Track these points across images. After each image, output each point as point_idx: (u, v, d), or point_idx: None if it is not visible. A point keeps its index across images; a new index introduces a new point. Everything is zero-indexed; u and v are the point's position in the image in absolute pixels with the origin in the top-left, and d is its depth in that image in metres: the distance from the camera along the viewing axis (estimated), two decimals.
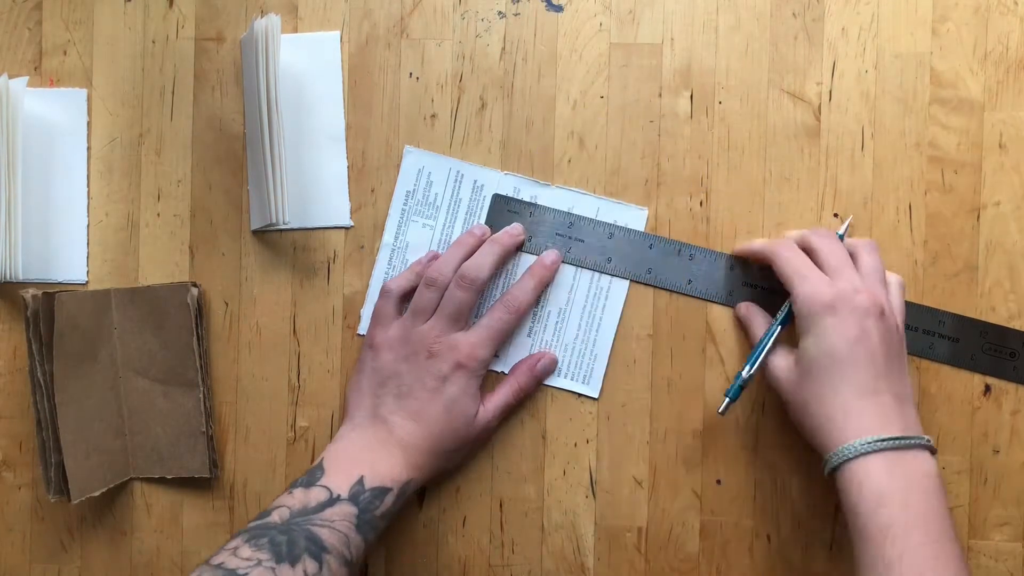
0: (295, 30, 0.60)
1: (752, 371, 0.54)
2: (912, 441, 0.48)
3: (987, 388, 0.57)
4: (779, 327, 0.54)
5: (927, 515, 0.46)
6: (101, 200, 0.60)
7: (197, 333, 0.59)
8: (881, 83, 0.58)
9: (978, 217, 0.57)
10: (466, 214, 0.59)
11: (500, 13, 0.59)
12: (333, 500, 0.51)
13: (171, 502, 0.60)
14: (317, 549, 0.48)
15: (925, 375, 0.57)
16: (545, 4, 0.59)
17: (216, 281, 0.60)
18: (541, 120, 0.59)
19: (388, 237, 0.59)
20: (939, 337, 0.57)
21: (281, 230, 0.60)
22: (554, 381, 0.59)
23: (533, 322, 0.58)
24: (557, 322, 0.58)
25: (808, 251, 0.54)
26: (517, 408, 0.58)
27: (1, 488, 0.61)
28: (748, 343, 0.57)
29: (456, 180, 0.59)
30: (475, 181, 0.59)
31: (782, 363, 0.53)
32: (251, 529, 0.49)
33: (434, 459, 0.55)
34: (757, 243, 0.56)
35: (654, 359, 0.58)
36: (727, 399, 0.54)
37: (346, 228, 0.60)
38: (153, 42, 0.60)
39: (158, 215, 0.60)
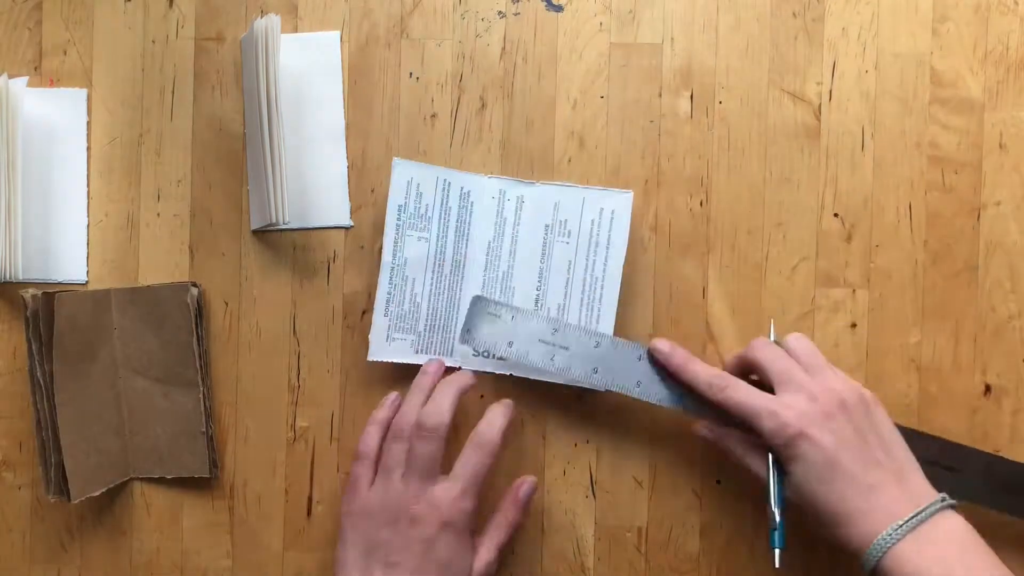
0: (295, 30, 0.60)
1: (779, 510, 0.52)
2: (926, 511, 0.48)
3: (987, 388, 0.57)
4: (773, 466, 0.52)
5: (971, 568, 0.46)
6: (101, 200, 0.60)
7: (197, 333, 0.59)
8: (881, 83, 0.58)
9: (978, 217, 0.57)
10: (456, 222, 0.58)
11: (500, 13, 0.59)
12: None
13: (171, 502, 0.60)
14: None
15: (925, 375, 0.57)
16: (545, 4, 0.59)
17: (216, 281, 0.60)
18: (541, 120, 0.59)
19: (387, 256, 0.58)
20: None
21: (281, 230, 0.60)
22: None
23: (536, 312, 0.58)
24: (558, 316, 0.58)
25: (755, 368, 0.53)
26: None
27: (1, 488, 0.61)
28: (727, 458, 0.54)
29: (444, 189, 0.58)
30: (462, 188, 0.58)
31: (785, 494, 0.52)
32: None
33: None
34: (700, 375, 0.54)
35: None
36: (776, 549, 0.52)
37: (346, 228, 0.60)
38: (153, 42, 0.60)
39: (158, 215, 0.60)
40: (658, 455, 0.59)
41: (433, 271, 0.58)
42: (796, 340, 0.53)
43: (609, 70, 0.59)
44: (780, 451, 0.51)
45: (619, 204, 0.58)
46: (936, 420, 0.57)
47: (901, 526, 0.47)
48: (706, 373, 0.54)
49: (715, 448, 0.55)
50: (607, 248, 0.58)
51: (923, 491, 0.49)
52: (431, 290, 0.58)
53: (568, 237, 0.58)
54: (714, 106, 0.58)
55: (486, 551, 0.55)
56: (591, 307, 0.58)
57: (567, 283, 0.58)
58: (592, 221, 0.58)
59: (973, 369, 0.58)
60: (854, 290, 0.58)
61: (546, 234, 0.58)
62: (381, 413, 0.57)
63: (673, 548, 0.58)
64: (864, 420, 0.50)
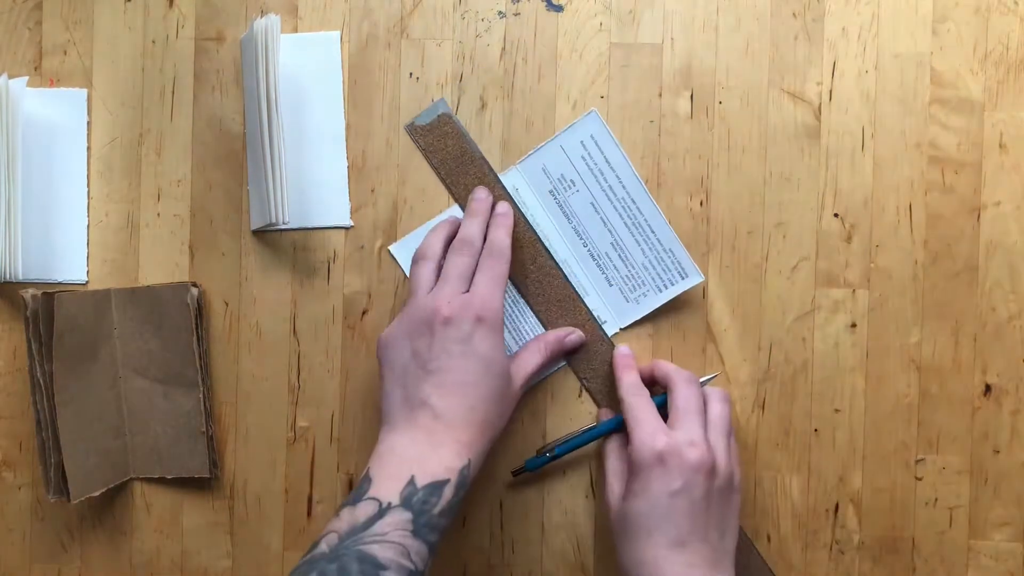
0: (295, 30, 0.60)
1: (556, 454, 0.56)
2: None
3: (987, 388, 0.57)
4: (605, 432, 0.56)
5: None
6: (101, 200, 0.60)
7: (197, 333, 0.59)
8: (881, 83, 0.58)
9: (978, 217, 0.57)
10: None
11: (500, 13, 0.59)
12: (384, 510, 0.47)
13: (171, 502, 0.60)
14: (372, 568, 0.44)
15: (925, 375, 0.57)
16: (545, 4, 0.59)
17: (216, 281, 0.60)
18: (541, 120, 0.59)
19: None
20: None
21: (281, 230, 0.60)
22: (661, 297, 0.58)
23: (604, 271, 0.58)
24: (620, 254, 0.58)
25: (667, 389, 0.55)
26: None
27: (1, 488, 0.61)
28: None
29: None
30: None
31: (616, 489, 0.54)
32: (299, 567, 0.46)
33: (485, 432, 0.52)
34: (627, 378, 0.56)
35: (654, 359, 0.58)
36: (525, 467, 0.56)
37: (346, 228, 0.60)
38: (153, 42, 0.60)
39: (158, 215, 0.60)
40: None
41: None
42: (717, 401, 0.54)
43: (609, 70, 0.59)
44: (634, 463, 0.52)
45: (592, 126, 0.58)
46: (936, 420, 0.57)
47: None
48: (632, 379, 0.56)
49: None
50: (612, 168, 0.58)
51: (727, 572, 0.51)
52: None
53: (574, 185, 0.58)
54: (714, 106, 0.58)
55: (522, 368, 0.55)
56: (639, 225, 0.58)
57: (603, 222, 0.58)
58: (582, 157, 0.58)
59: (973, 369, 0.58)
60: (854, 290, 0.58)
61: (556, 197, 0.58)
62: (442, 229, 0.57)
63: None
64: (719, 496, 0.52)
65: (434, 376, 0.51)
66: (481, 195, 0.58)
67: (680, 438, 0.51)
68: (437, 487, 0.48)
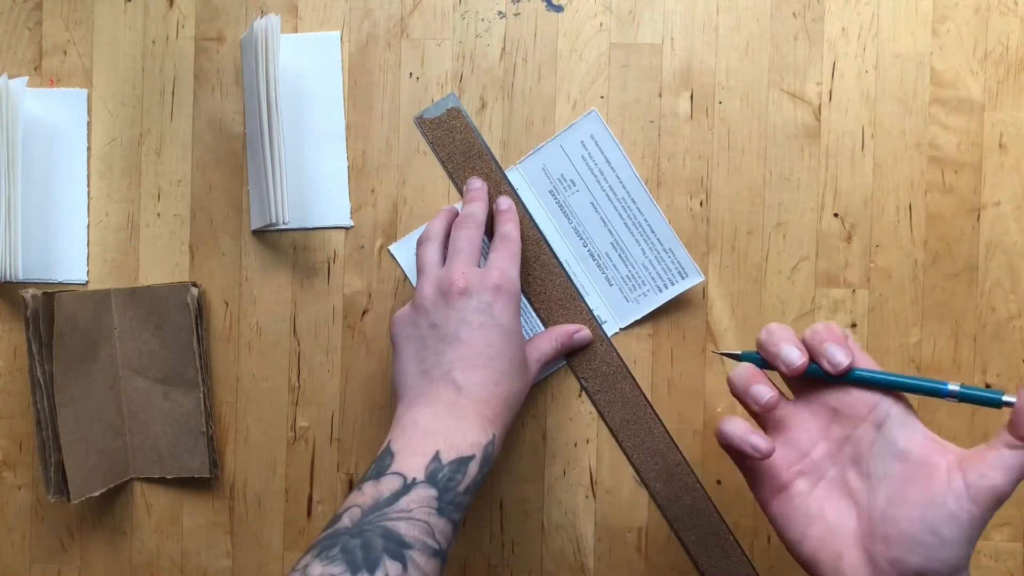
0: (295, 30, 0.60)
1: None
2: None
3: (987, 388, 0.57)
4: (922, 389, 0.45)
5: None
6: (101, 200, 0.60)
7: (197, 333, 0.59)
8: (881, 83, 0.58)
9: (978, 217, 0.57)
10: None
11: (500, 13, 0.59)
12: (408, 486, 0.45)
13: (171, 502, 0.60)
14: (397, 547, 0.43)
15: (925, 375, 0.57)
16: (545, 4, 0.59)
17: (216, 281, 0.60)
18: (541, 120, 0.59)
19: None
20: None
21: (281, 230, 0.60)
22: (661, 297, 0.58)
23: (604, 270, 0.58)
24: (620, 254, 0.58)
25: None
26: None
27: (1, 488, 0.61)
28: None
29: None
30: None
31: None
32: (321, 540, 0.44)
33: (508, 405, 0.50)
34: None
35: (654, 359, 0.58)
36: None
37: (346, 228, 0.60)
38: (153, 42, 0.60)
39: (158, 215, 0.60)
40: None
41: None
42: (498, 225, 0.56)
43: (609, 70, 0.59)
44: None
45: (592, 126, 0.58)
46: (936, 420, 0.57)
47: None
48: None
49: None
50: (612, 168, 0.58)
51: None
52: None
53: (574, 185, 0.58)
54: (714, 106, 0.58)
55: (537, 350, 0.55)
56: (639, 225, 0.58)
57: (603, 221, 0.58)
58: (583, 157, 0.58)
59: (973, 369, 0.58)
60: (854, 290, 0.58)
61: (555, 197, 0.58)
62: (444, 215, 0.57)
63: (673, 548, 0.58)
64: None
65: (455, 348, 0.50)
66: (476, 184, 0.58)
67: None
68: (463, 463, 0.46)
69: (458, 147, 0.59)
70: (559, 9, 0.59)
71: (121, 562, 0.60)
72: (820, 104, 0.58)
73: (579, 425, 0.59)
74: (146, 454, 0.60)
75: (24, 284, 0.59)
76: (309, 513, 0.60)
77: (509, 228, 0.56)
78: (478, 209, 0.56)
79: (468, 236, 0.54)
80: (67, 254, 0.60)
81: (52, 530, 0.60)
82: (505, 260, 0.53)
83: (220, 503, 0.60)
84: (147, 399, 0.60)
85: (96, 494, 0.57)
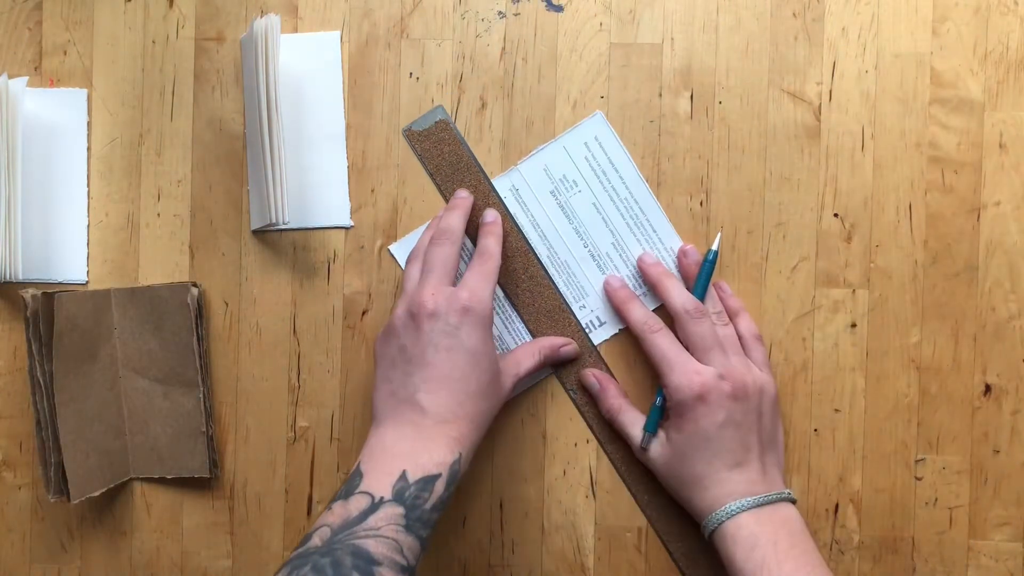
0: (295, 30, 0.60)
1: (650, 433, 0.56)
2: (775, 496, 0.53)
3: (987, 388, 0.57)
4: (659, 404, 0.56)
5: (794, 549, 0.51)
6: (101, 200, 0.60)
7: (197, 333, 0.59)
8: (881, 83, 0.58)
9: (978, 217, 0.57)
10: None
11: (500, 13, 0.59)
12: (376, 505, 0.47)
13: (171, 502, 0.60)
14: (366, 564, 0.44)
15: (925, 375, 0.57)
16: (545, 4, 0.59)
17: (216, 281, 0.60)
18: (541, 120, 0.59)
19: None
20: None
21: (281, 230, 0.60)
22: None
23: (604, 271, 0.58)
24: (620, 254, 0.58)
25: (676, 321, 0.55)
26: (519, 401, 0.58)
27: (1, 488, 0.61)
28: (601, 406, 0.58)
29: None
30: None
31: (656, 446, 0.55)
32: (292, 560, 0.45)
33: (475, 425, 0.51)
34: (634, 314, 0.56)
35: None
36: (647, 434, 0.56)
37: (346, 228, 0.60)
38: (153, 42, 0.60)
39: (158, 215, 0.60)
40: None
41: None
42: (723, 327, 0.56)
43: (609, 70, 0.59)
44: (675, 405, 0.54)
45: (597, 128, 0.58)
46: (936, 420, 0.57)
47: (752, 500, 0.52)
48: (642, 312, 0.56)
49: (595, 401, 0.58)
50: (615, 169, 0.58)
51: (779, 483, 0.55)
52: None
53: (576, 186, 0.58)
54: (714, 106, 0.58)
55: (513, 366, 0.55)
56: (641, 225, 0.58)
57: (605, 222, 0.58)
58: (586, 158, 0.58)
59: (973, 369, 0.58)
60: (854, 290, 0.58)
61: (557, 197, 0.58)
62: (433, 227, 0.57)
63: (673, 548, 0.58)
64: (754, 416, 0.54)
65: (421, 371, 0.51)
66: (462, 194, 0.58)
67: (710, 375, 0.53)
68: (429, 481, 0.48)
69: (446, 159, 0.59)
70: (559, 9, 0.59)
71: (121, 562, 0.60)
72: (820, 104, 0.58)
73: (579, 425, 0.59)
74: (146, 454, 0.60)
75: (24, 284, 0.59)
76: (309, 513, 0.60)
77: (489, 243, 0.56)
78: (456, 222, 0.55)
79: (442, 255, 0.54)
80: (67, 254, 0.60)
81: (52, 530, 0.60)
82: (478, 279, 0.53)
83: (220, 503, 0.60)
84: (147, 399, 0.59)
85: (96, 494, 0.57)
